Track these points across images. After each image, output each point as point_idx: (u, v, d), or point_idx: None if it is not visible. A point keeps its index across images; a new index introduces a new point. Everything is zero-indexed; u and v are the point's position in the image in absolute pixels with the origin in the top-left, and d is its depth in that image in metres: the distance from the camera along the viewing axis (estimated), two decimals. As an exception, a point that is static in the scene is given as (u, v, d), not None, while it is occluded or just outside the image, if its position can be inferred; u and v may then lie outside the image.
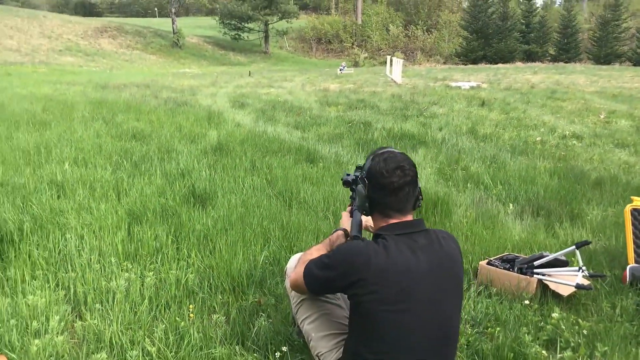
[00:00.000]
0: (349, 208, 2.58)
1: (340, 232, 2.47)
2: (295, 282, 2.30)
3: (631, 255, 3.65)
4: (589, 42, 42.93)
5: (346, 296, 2.45)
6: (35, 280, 3.24)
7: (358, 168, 2.52)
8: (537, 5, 51.75)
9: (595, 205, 5.21)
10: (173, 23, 48.43)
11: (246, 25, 51.17)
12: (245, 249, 3.67)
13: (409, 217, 2.19)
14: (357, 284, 2.02)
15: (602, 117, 11.35)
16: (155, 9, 69.17)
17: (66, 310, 2.96)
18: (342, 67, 29.33)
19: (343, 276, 2.06)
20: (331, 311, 2.42)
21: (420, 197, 2.25)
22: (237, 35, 51.85)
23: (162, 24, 54.72)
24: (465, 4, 64.69)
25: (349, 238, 2.42)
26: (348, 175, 2.56)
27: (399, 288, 2.01)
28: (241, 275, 3.31)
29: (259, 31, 52.48)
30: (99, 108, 10.88)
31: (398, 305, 2.01)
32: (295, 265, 2.43)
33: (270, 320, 2.91)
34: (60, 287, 3.17)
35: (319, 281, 2.18)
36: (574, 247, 3.21)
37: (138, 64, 39.12)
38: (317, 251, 2.36)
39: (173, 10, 49.21)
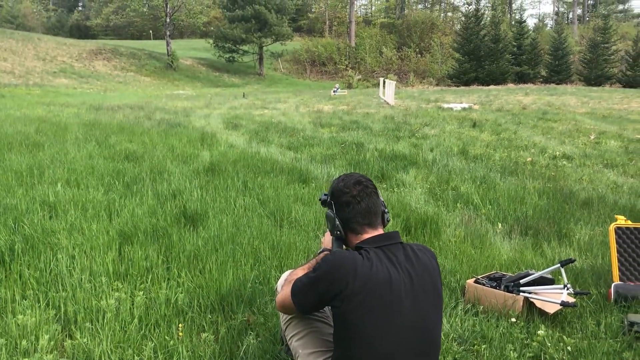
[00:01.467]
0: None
1: (326, 253, 2.52)
2: (282, 303, 2.32)
3: (616, 273, 3.70)
4: (579, 64, 43.46)
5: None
6: (25, 299, 3.26)
7: None
8: (529, 27, 52.41)
9: (583, 225, 5.28)
10: (167, 45, 48.72)
11: (240, 47, 51.54)
12: (235, 269, 3.70)
13: (381, 231, 2.28)
14: (343, 293, 2.05)
15: (592, 137, 11.48)
16: (150, 31, 69.56)
17: (56, 329, 2.97)
18: (335, 89, 29.56)
19: (330, 285, 2.08)
20: (319, 328, 2.45)
21: (387, 211, 2.36)
22: (231, 58, 52.17)
23: (157, 46, 54.98)
24: (457, 27, 65.52)
25: None
26: (325, 195, 2.64)
27: (382, 299, 2.06)
28: (231, 294, 3.33)
29: (253, 53, 52.84)
30: (93, 129, 10.92)
31: (381, 316, 2.06)
32: (282, 286, 2.46)
33: (259, 338, 2.93)
34: (50, 306, 3.18)
35: (309, 297, 2.19)
36: (558, 265, 3.26)
37: (132, 86, 39.23)
38: (302, 271, 2.40)
39: (167, 32, 49.56)
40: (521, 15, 62.67)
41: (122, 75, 42.82)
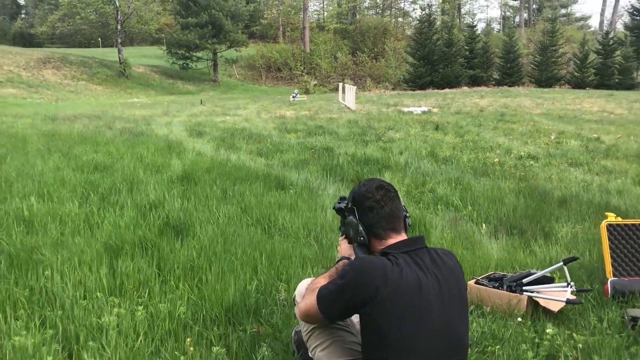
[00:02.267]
0: (342, 237, 2.61)
1: (345, 262, 2.47)
2: (306, 312, 2.26)
3: (609, 269, 3.78)
4: (528, 66, 44.71)
5: (356, 321, 2.46)
6: (18, 320, 3.10)
7: (342, 199, 2.60)
8: (479, 31, 53.57)
9: (564, 223, 5.39)
10: (119, 53, 47.64)
11: (194, 54, 50.91)
12: (236, 279, 3.61)
13: (405, 236, 2.27)
14: (374, 299, 2.01)
15: (552, 137, 11.80)
16: (99, 39, 67.93)
17: (56, 349, 2.83)
18: (294, 95, 29.52)
19: (360, 291, 2.04)
20: (343, 337, 2.41)
21: (408, 215, 2.35)
22: (185, 64, 51.48)
23: (107, 53, 53.73)
24: (408, 32, 66.46)
25: None
26: (340, 202, 2.60)
27: (413, 305, 2.04)
28: (235, 305, 3.25)
29: (207, 60, 52.28)
30: (53, 140, 10.57)
31: (412, 322, 2.04)
32: (303, 295, 2.40)
33: (271, 350, 2.86)
34: (47, 326, 3.03)
35: (336, 305, 2.15)
36: (561, 263, 3.31)
37: (84, 95, 38.21)
38: (324, 279, 2.35)
39: (119, 40, 48.53)
40: (472, 19, 64.07)
41: (73, 84, 41.65)
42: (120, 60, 47.37)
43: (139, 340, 2.88)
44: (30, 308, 3.23)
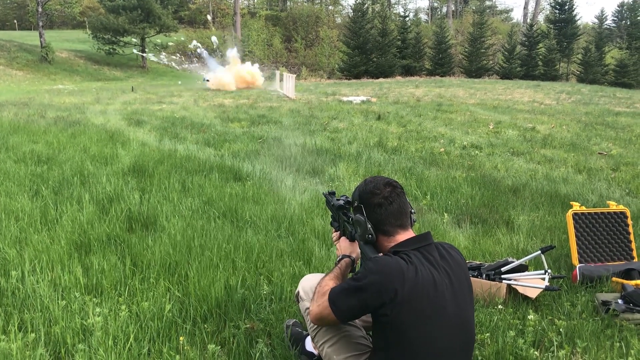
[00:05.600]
0: (336, 234, 2.61)
1: (347, 260, 2.47)
2: (319, 315, 2.23)
3: (575, 256, 3.97)
4: (457, 57, 45.98)
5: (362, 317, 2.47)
6: (-8, 324, 2.93)
7: (331, 193, 2.60)
8: (411, 22, 54.43)
9: (520, 211, 5.60)
10: (41, 37, 45.32)
11: (121, 39, 49.10)
12: (219, 274, 3.55)
13: (412, 233, 2.29)
14: (393, 300, 2.02)
15: (491, 127, 12.20)
16: (15, 21, 64.30)
17: (42, 354, 2.70)
18: (230, 82, 29.05)
19: (378, 293, 2.04)
20: (350, 332, 2.42)
21: (414, 212, 2.37)
22: (111, 50, 49.61)
23: (25, 37, 51.05)
24: (338, 20, 66.75)
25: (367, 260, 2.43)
26: (338, 199, 2.59)
27: (429, 302, 2.07)
28: (223, 301, 3.20)
29: (135, 45, 50.59)
30: (-17, 129, 9.98)
31: (430, 319, 2.07)
32: (312, 298, 2.36)
33: (269, 345, 2.84)
34: (29, 329, 2.88)
35: (350, 306, 2.13)
36: (539, 251, 3.44)
37: (3, 81, 36.14)
38: (332, 281, 2.32)
39: (40, 23, 46.09)
40: (405, 10, 64.94)
41: (-11, 68, 39.36)
42: (42, 44, 45.12)
43: (130, 342, 2.78)
44: (4, 311, 3.05)
